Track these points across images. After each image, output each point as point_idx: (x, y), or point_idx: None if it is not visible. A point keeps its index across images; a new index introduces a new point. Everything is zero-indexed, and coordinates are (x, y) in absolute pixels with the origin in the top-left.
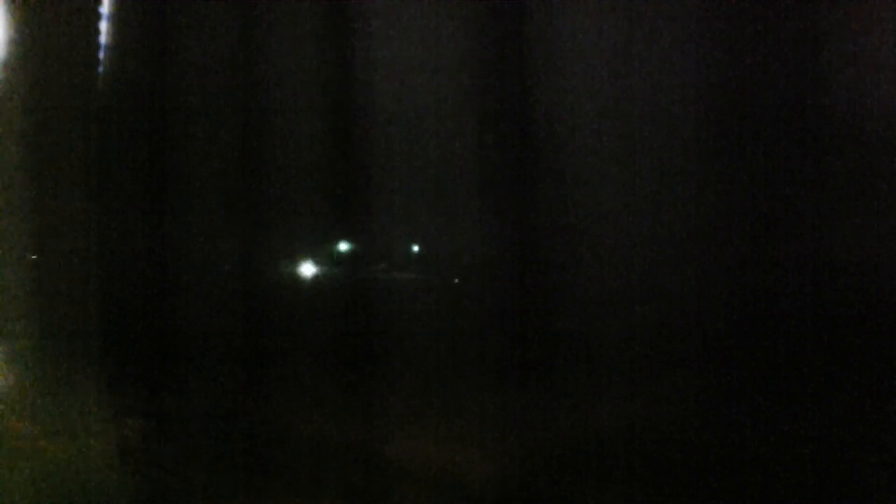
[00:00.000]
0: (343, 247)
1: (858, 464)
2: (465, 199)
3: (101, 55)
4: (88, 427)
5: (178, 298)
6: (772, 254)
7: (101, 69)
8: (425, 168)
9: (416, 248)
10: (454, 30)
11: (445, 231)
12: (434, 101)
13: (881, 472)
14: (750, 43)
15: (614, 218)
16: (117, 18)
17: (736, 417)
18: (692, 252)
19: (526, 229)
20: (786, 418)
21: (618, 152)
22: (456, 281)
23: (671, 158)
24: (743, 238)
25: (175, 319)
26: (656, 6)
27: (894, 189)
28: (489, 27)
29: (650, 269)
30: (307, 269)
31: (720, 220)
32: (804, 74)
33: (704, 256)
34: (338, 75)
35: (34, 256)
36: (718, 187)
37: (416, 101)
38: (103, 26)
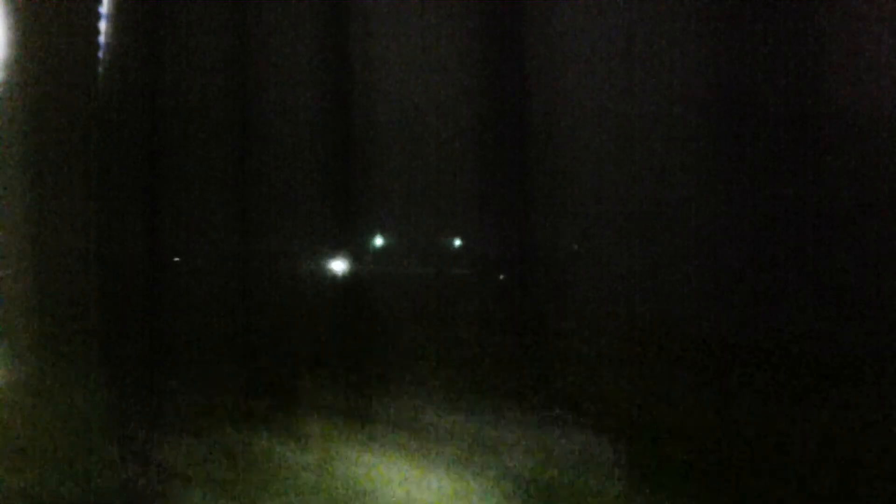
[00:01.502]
0: (379, 242)
1: (858, 463)
2: (505, 194)
3: (101, 55)
4: (88, 426)
5: (183, 298)
6: (772, 253)
7: (101, 69)
8: (462, 161)
9: (458, 243)
10: (470, 24)
11: (484, 226)
12: (466, 94)
13: (881, 472)
14: (750, 43)
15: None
16: (117, 18)
17: (737, 417)
18: (693, 251)
19: (566, 225)
20: (786, 418)
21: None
22: (501, 277)
23: (673, 157)
24: (743, 238)
25: (182, 320)
26: (656, 6)
27: (894, 189)
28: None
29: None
30: (338, 266)
31: (720, 219)
32: (804, 74)
33: (705, 256)
34: (347, 72)
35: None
36: (718, 187)
37: (447, 95)
38: (103, 26)
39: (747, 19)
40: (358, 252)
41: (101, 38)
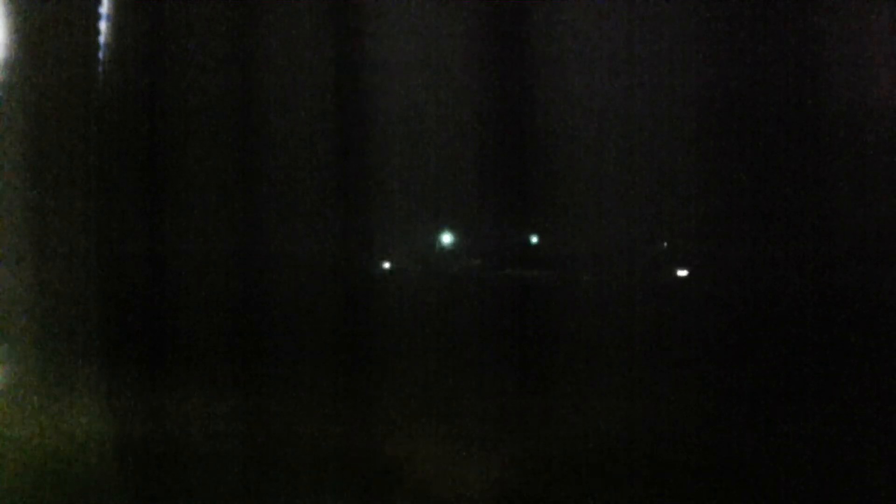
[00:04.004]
0: (446, 240)
1: (858, 464)
2: (581, 191)
3: (101, 55)
4: (88, 426)
5: (182, 298)
6: (771, 253)
7: (101, 69)
8: (535, 156)
9: (534, 240)
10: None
11: (563, 224)
12: (544, 95)
13: (881, 472)
14: (750, 43)
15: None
16: (117, 18)
17: (736, 418)
18: (693, 251)
19: (649, 223)
20: (785, 418)
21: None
22: (586, 279)
23: (675, 158)
24: (743, 237)
25: (182, 319)
26: (656, 6)
27: (894, 189)
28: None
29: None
30: (385, 266)
31: (720, 219)
32: (804, 74)
33: (704, 255)
34: (348, 74)
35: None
36: (718, 187)
37: (530, 94)
38: (103, 26)
39: (747, 21)
40: (420, 251)
41: (101, 38)
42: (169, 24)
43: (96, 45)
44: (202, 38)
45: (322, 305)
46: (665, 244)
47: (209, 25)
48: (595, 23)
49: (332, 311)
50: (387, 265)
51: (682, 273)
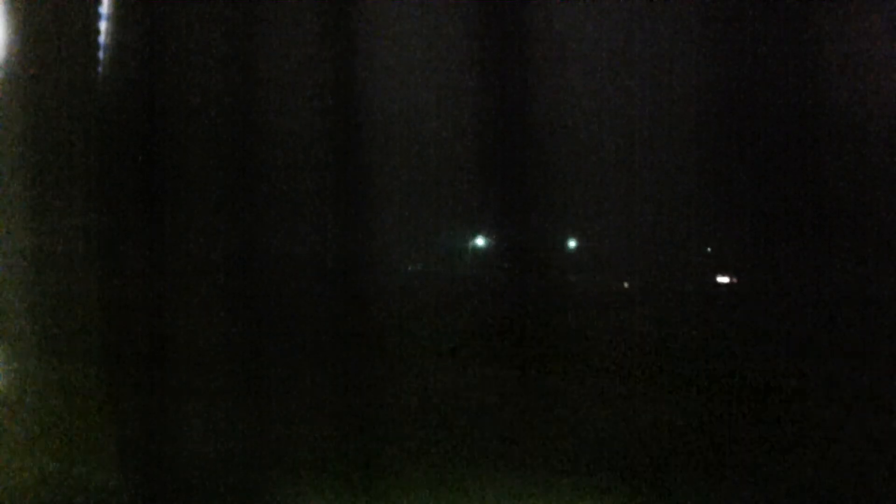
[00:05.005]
0: (479, 242)
1: (858, 464)
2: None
3: (101, 55)
4: (87, 427)
5: (184, 300)
6: (770, 254)
7: (101, 69)
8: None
9: (572, 244)
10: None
11: (598, 226)
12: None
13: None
14: (750, 43)
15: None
16: (117, 18)
17: (735, 419)
18: (691, 252)
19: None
20: (785, 419)
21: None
22: (626, 285)
23: (672, 158)
24: (742, 238)
25: (183, 322)
26: (656, 6)
27: (894, 189)
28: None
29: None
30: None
31: (718, 220)
32: (804, 74)
33: (749, 261)
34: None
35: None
36: (717, 187)
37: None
38: (103, 26)
39: (747, 21)
40: (449, 253)
41: (101, 38)
42: (170, 24)
43: (96, 45)
44: (204, 38)
45: (346, 308)
46: (709, 249)
47: (211, 25)
48: (642, 21)
49: (353, 313)
50: (410, 269)
51: (724, 279)
